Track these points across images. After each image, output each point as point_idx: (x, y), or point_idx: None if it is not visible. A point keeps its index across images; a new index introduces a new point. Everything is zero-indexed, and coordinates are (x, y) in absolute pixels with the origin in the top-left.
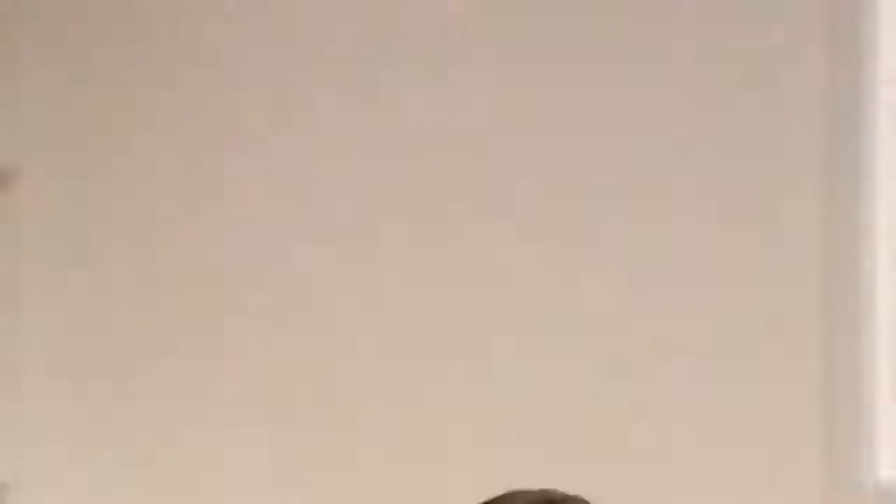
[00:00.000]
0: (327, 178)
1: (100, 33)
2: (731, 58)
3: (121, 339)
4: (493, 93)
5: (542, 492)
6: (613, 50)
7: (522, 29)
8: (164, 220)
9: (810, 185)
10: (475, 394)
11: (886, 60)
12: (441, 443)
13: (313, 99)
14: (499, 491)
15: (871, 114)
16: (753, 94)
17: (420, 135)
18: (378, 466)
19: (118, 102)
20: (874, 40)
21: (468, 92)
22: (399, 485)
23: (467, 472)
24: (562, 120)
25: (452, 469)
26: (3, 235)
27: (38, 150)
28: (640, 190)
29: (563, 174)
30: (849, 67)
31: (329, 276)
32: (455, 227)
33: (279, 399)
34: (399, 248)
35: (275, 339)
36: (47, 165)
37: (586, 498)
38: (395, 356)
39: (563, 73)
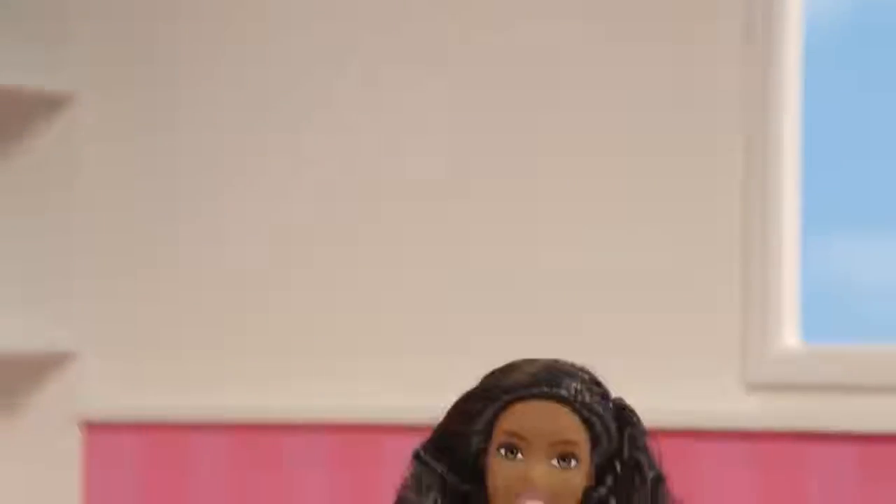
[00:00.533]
0: None
1: None
2: None
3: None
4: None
5: (552, 360)
6: None
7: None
8: (211, 135)
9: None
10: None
11: None
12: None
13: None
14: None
15: (787, 25)
16: (671, 28)
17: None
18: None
19: (168, 30)
20: None
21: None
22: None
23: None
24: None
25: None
26: (61, 156)
27: (91, 76)
28: None
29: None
30: None
31: None
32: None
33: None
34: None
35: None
36: (100, 90)
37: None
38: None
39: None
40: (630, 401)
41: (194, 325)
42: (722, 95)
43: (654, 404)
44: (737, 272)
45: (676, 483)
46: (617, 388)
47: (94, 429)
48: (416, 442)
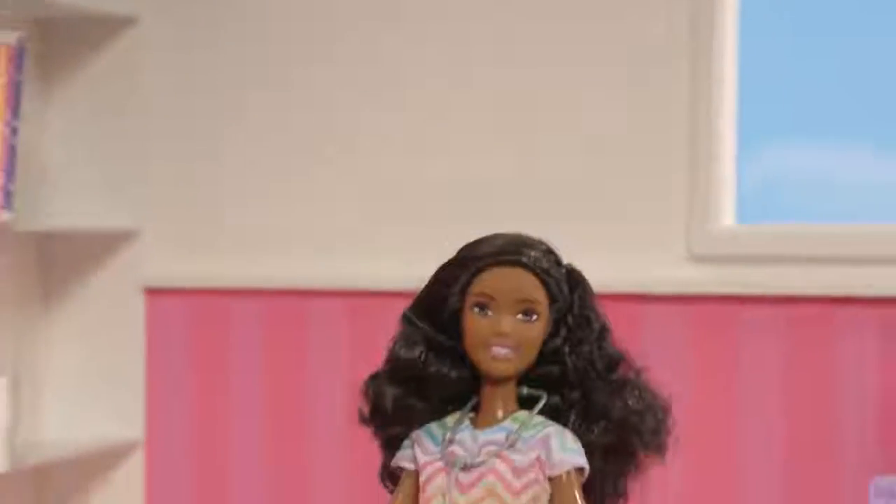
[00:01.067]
0: None
1: None
2: None
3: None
4: None
5: (515, 234)
6: None
7: None
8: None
9: None
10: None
11: None
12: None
13: None
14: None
15: None
16: None
17: None
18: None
19: None
20: None
21: None
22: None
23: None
24: None
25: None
26: (132, 62)
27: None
28: None
29: None
30: None
31: None
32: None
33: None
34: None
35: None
36: (162, 13)
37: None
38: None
39: None
40: (592, 269)
41: (234, 209)
42: (675, 15)
43: (611, 273)
44: (684, 164)
45: (631, 338)
46: (582, 260)
47: (154, 294)
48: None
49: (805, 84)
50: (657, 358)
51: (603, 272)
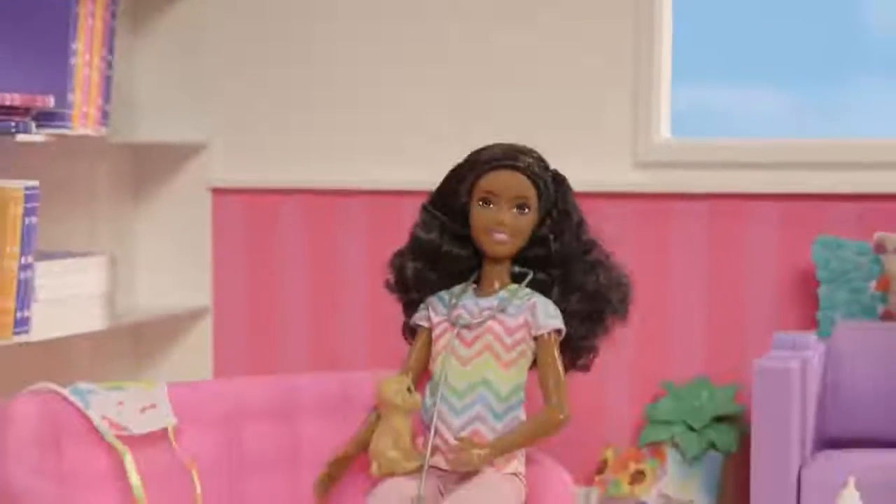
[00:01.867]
0: None
1: None
2: None
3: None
4: None
5: (512, 143)
6: None
7: None
8: None
9: None
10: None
11: None
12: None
13: None
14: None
15: None
16: None
17: None
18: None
19: None
20: None
21: None
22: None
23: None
24: None
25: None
26: (198, 14)
27: None
28: None
29: None
30: None
31: None
32: None
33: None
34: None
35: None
36: None
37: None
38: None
39: None
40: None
41: (282, 126)
42: None
43: (574, 176)
44: (630, 90)
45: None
46: (552, 166)
47: (218, 193)
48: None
49: (720, 33)
50: (611, 243)
51: (568, 175)
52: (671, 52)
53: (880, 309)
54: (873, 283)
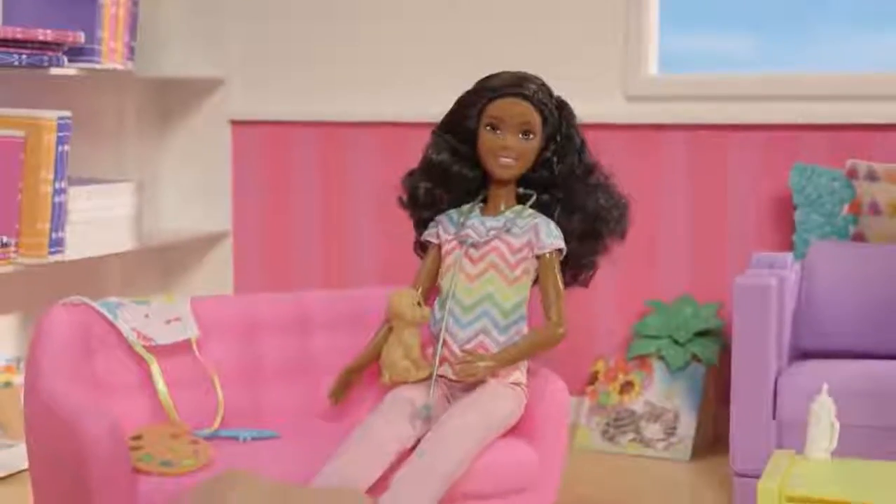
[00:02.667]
0: None
1: None
2: None
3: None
4: None
5: (519, 71)
6: None
7: None
8: None
9: None
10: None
11: None
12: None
13: None
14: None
15: None
16: None
17: None
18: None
19: None
20: None
21: None
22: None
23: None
24: None
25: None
26: None
27: None
28: None
29: None
30: None
31: None
32: None
33: None
34: None
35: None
36: None
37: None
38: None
39: None
40: None
41: (295, 62)
42: None
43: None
44: (623, 31)
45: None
46: None
47: (237, 125)
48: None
49: None
50: (605, 166)
51: None
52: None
53: (851, 230)
54: (845, 207)
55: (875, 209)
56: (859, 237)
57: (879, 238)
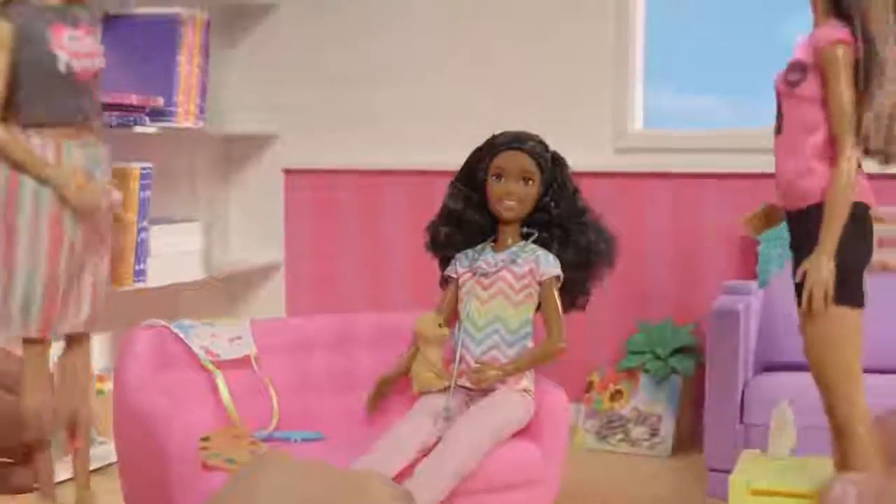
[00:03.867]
0: None
1: None
2: None
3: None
4: None
5: (521, 131)
6: None
7: None
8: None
9: None
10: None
11: None
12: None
13: None
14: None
15: None
16: None
17: None
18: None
19: None
20: None
21: None
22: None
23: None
24: None
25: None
26: (271, 38)
27: None
28: None
29: None
30: None
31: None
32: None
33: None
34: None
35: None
36: (297, 5)
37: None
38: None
39: None
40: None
41: (338, 122)
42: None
43: (569, 160)
44: (613, 93)
45: (585, 197)
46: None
47: (289, 172)
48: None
49: (678, 51)
50: (599, 208)
51: (567, 159)
52: (643, 64)
53: None
54: (752, 233)
55: None
56: None
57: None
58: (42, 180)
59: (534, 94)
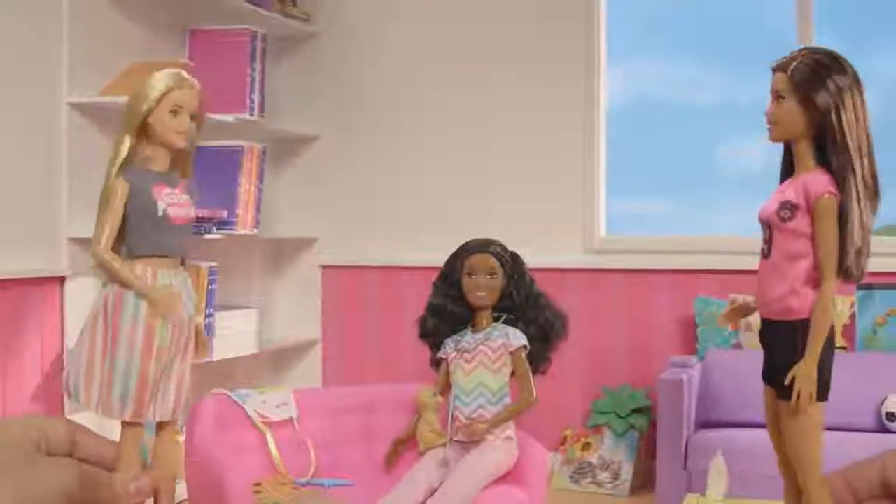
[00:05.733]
0: None
1: None
2: None
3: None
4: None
5: (487, 238)
6: None
7: None
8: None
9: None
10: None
11: None
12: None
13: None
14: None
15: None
16: None
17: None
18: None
19: None
20: None
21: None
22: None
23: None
24: None
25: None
26: (314, 158)
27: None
28: None
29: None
30: None
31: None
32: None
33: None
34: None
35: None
36: (335, 132)
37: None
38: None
39: None
40: (536, 257)
41: (361, 227)
42: (571, 110)
43: (545, 259)
44: (581, 204)
45: (557, 292)
46: (528, 252)
47: (326, 268)
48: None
49: (634, 163)
50: (569, 300)
51: (542, 258)
52: (605, 165)
53: (734, 341)
54: (729, 326)
55: (748, 327)
56: (738, 346)
57: (752, 346)
58: (141, 296)
59: (516, 209)
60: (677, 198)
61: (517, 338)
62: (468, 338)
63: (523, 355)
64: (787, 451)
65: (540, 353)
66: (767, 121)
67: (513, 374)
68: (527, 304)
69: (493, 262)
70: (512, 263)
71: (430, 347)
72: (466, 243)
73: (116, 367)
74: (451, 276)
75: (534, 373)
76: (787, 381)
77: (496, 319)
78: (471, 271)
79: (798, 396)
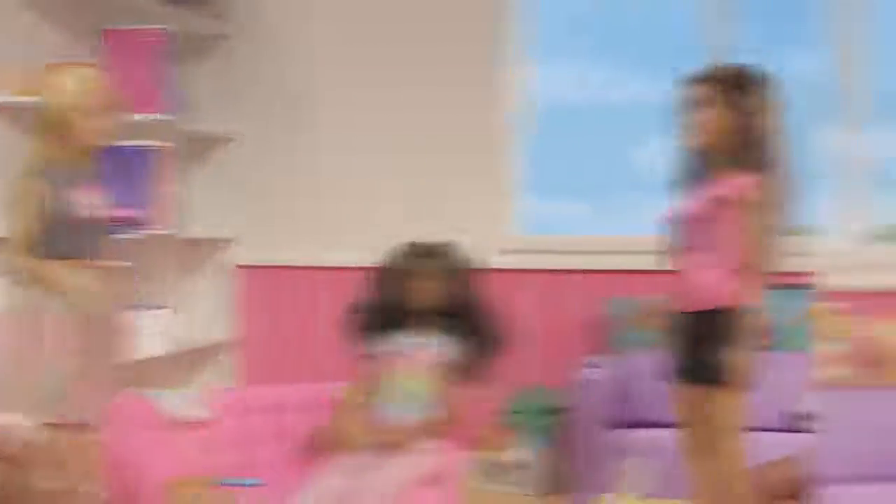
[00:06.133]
0: None
1: None
2: None
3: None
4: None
5: (435, 242)
6: None
7: None
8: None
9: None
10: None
11: None
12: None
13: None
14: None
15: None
16: None
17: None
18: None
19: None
20: None
21: None
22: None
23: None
24: None
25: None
26: (234, 163)
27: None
28: None
29: None
30: None
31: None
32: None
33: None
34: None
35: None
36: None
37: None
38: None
39: None
40: None
41: (281, 226)
42: (484, 110)
43: None
44: (498, 207)
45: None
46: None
47: (242, 268)
48: None
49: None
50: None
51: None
52: (521, 166)
53: (647, 342)
54: (650, 326)
55: (664, 326)
56: (652, 346)
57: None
58: (62, 296)
59: (435, 207)
60: (593, 199)
61: (451, 348)
62: (403, 340)
63: (453, 367)
64: (708, 440)
65: (476, 361)
66: (689, 129)
67: (442, 381)
68: (468, 312)
69: (438, 265)
70: (458, 269)
71: (357, 343)
72: (413, 242)
73: (42, 367)
74: (390, 275)
75: (469, 381)
76: (720, 366)
77: (434, 325)
78: (414, 273)
79: (729, 382)
